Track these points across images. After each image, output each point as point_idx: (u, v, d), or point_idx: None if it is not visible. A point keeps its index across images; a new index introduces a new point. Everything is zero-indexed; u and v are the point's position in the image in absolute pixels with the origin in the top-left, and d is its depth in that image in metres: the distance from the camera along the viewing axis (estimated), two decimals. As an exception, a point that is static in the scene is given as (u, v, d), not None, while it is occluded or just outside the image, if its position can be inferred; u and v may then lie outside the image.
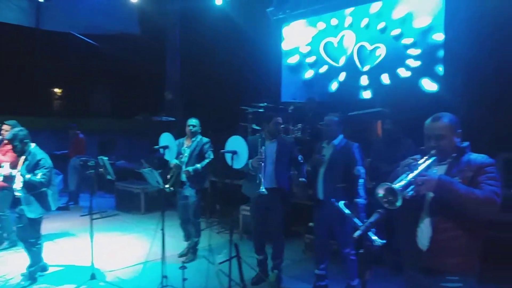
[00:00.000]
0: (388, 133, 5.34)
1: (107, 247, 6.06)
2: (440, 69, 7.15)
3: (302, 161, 4.72)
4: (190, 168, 5.48)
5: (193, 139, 5.66)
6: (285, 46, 9.74)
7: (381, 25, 7.96)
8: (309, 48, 9.24)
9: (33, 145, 4.76)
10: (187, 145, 5.66)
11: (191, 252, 5.74)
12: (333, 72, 8.76)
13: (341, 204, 3.40)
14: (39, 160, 4.62)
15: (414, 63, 7.54)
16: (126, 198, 8.57)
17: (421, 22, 7.44)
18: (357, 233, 2.18)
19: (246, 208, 6.66)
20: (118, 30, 12.47)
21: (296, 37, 9.49)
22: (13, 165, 4.87)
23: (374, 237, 2.29)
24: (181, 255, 5.82)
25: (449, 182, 2.22)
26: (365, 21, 8.26)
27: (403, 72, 7.63)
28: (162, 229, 4.45)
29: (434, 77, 7.24)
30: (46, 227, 6.21)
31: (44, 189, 4.64)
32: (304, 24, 9.33)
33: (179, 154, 5.59)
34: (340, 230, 4.19)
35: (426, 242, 2.34)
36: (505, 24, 5.89)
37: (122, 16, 12.14)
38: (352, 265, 4.22)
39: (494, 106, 5.96)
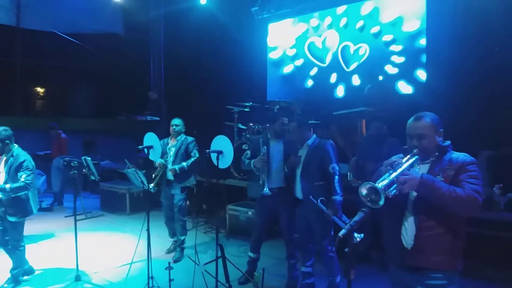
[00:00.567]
0: (374, 132, 5.38)
1: (92, 248, 6.00)
2: (421, 72, 7.20)
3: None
4: (176, 167, 5.53)
5: (178, 138, 5.73)
6: (270, 45, 9.72)
7: (375, 29, 7.90)
8: (294, 48, 9.23)
9: (15, 146, 4.69)
10: (172, 144, 5.72)
11: (178, 250, 5.78)
12: (321, 71, 8.74)
13: (319, 202, 3.45)
14: (22, 162, 4.54)
15: (394, 67, 7.58)
16: (111, 198, 8.50)
17: (409, 26, 7.43)
18: (342, 232, 2.20)
19: (233, 208, 6.68)
20: (102, 30, 12.34)
21: (281, 36, 9.48)
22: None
23: (355, 234, 2.32)
24: (168, 252, 5.90)
25: (431, 181, 2.25)
26: (359, 23, 8.18)
27: (390, 69, 7.64)
28: (148, 229, 4.44)
29: (411, 80, 7.29)
30: (30, 228, 6.14)
31: (26, 192, 4.57)
32: (289, 24, 9.33)
33: (163, 154, 5.61)
34: (319, 228, 4.27)
35: (410, 240, 2.37)
36: (487, 23, 5.97)
37: (105, 15, 12.00)
38: (332, 262, 4.28)
39: (476, 105, 6.05)
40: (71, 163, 5.30)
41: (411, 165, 2.36)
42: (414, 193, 2.37)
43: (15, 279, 4.72)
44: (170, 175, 5.59)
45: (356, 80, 8.09)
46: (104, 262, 5.50)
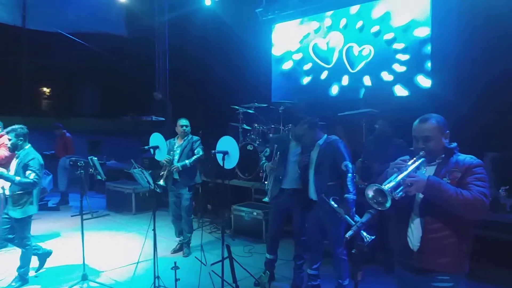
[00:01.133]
0: (380, 133, 5.37)
1: (98, 248, 6.04)
2: (422, 77, 7.22)
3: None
4: (179, 164, 5.64)
5: (185, 138, 5.85)
6: (274, 46, 9.73)
7: (375, 28, 7.92)
8: (298, 47, 9.23)
9: (28, 145, 4.76)
10: (179, 144, 5.82)
11: (185, 247, 5.87)
12: (331, 75, 8.74)
13: (331, 200, 3.44)
14: (30, 160, 4.60)
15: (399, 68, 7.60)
16: (117, 198, 8.54)
17: (418, 31, 7.42)
18: (349, 233, 2.21)
19: (238, 208, 6.70)
20: (107, 30, 12.38)
21: (286, 37, 9.49)
22: (6, 160, 4.85)
23: (364, 234, 2.33)
24: (174, 251, 5.95)
25: (438, 183, 2.24)
26: (359, 23, 8.20)
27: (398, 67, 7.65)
28: (154, 229, 4.46)
29: (415, 82, 7.30)
30: (36, 228, 6.20)
31: (31, 189, 4.63)
32: (294, 25, 9.34)
33: (170, 152, 5.68)
34: (333, 230, 4.20)
35: (416, 242, 2.37)
36: (495, 19, 5.95)
37: (111, 16, 12.05)
38: (343, 265, 4.24)
39: (482, 107, 6.04)
40: (78, 163, 5.33)
41: (418, 167, 2.35)
42: (421, 195, 2.36)
43: (22, 277, 4.75)
44: (175, 174, 5.69)
45: (367, 81, 8.10)
46: (110, 262, 5.54)
